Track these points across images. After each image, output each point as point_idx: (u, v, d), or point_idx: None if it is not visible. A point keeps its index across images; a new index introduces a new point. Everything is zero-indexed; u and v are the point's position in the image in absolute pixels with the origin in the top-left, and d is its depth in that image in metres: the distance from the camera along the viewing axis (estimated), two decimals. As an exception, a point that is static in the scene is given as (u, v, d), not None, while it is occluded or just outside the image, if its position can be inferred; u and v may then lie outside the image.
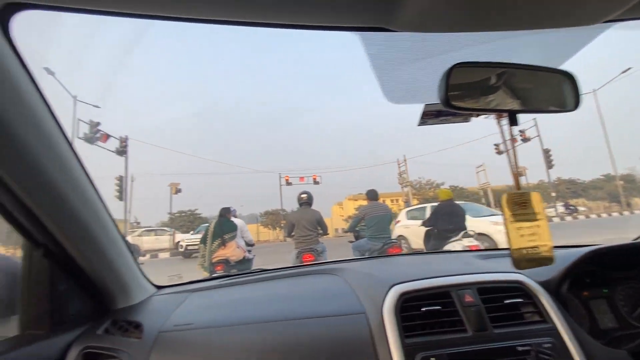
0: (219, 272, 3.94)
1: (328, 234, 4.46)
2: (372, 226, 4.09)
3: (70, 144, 0.60)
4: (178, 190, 19.94)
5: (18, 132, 0.49)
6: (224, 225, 4.22)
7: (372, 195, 4.37)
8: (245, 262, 4.26)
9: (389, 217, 4.24)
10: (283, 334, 0.68)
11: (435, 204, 5.14)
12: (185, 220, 24.31)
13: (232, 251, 4.13)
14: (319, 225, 4.15)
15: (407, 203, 31.72)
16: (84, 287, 0.74)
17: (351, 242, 4.54)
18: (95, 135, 12.03)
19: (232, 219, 4.43)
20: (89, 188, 0.65)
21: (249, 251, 4.55)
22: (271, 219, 29.83)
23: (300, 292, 0.89)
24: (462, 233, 4.07)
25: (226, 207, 4.45)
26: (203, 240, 4.30)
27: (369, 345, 0.66)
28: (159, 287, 0.95)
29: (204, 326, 0.72)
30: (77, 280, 0.73)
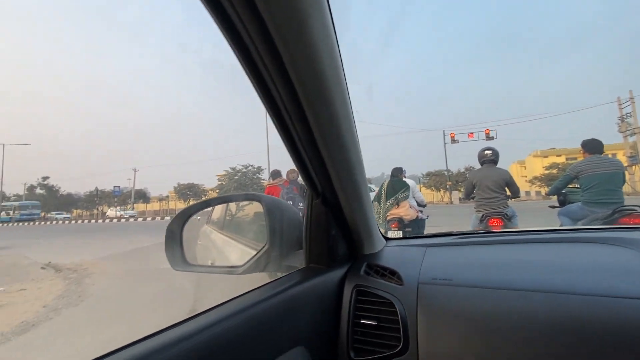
0: (394, 230, 4.07)
1: (519, 197, 3.81)
2: (589, 187, 3.10)
3: (353, 116, 0.68)
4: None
5: (336, 102, 0.59)
6: (397, 185, 4.23)
7: (593, 146, 3.25)
8: (418, 222, 4.24)
9: (620, 177, 3.10)
10: (578, 311, 0.56)
11: None
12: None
13: (406, 210, 4.16)
14: (508, 186, 3.55)
15: (634, 158, 22.72)
16: (345, 234, 0.86)
17: (554, 207, 3.66)
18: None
19: (404, 179, 4.42)
20: (360, 153, 0.74)
21: (421, 211, 4.48)
22: (434, 180, 28.33)
23: (588, 262, 0.72)
24: None
25: (398, 168, 4.47)
26: (377, 199, 4.36)
27: None
28: (387, 239, 1.01)
29: (465, 284, 0.70)
30: (342, 227, 0.85)
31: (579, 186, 3.29)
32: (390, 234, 3.92)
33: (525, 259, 0.79)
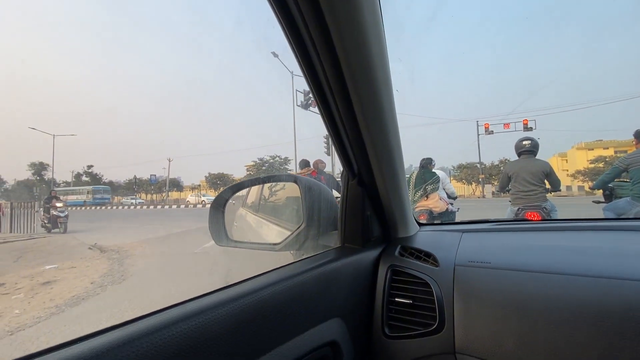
0: (423, 221, 3.89)
1: (560, 190, 3.54)
2: None
3: (393, 96, 0.68)
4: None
5: (379, 84, 0.59)
6: (426, 176, 4.09)
7: None
8: (448, 214, 4.10)
9: None
10: (626, 296, 0.54)
11: None
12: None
13: (435, 202, 4.02)
14: (548, 179, 3.33)
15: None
16: (380, 216, 0.88)
17: (598, 202, 3.39)
18: (308, 102, 14.75)
19: (434, 170, 4.27)
20: (398, 134, 0.75)
21: (451, 204, 4.33)
22: (466, 172, 27.27)
23: (624, 249, 0.69)
24: None
25: (427, 158, 4.33)
26: None
27: None
28: (420, 225, 1.00)
29: (503, 267, 0.69)
30: (377, 209, 0.86)
31: (628, 180, 3.05)
32: None
33: (567, 244, 0.76)
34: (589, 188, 4.06)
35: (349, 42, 0.50)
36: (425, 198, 4.07)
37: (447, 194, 4.34)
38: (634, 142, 3.10)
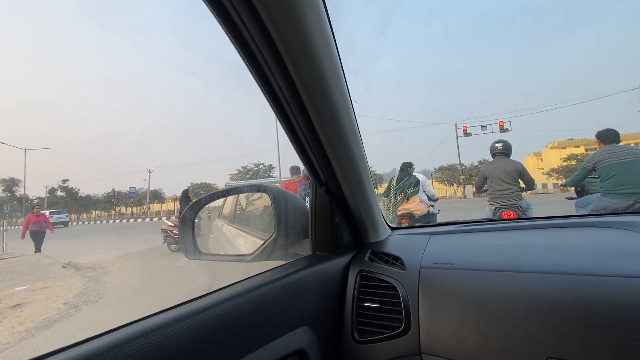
0: (405, 225, 3.98)
1: (534, 189, 3.71)
2: (609, 177, 3.01)
3: (353, 108, 0.70)
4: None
5: (335, 96, 0.61)
6: (406, 180, 4.18)
7: (609, 136, 3.14)
8: (429, 216, 4.18)
9: None
10: (577, 291, 0.57)
11: None
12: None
13: (416, 205, 4.11)
14: (521, 178, 3.50)
15: (658, 148, 21.76)
16: (349, 223, 0.89)
17: (571, 199, 3.55)
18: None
19: (414, 173, 4.36)
20: (361, 143, 0.76)
21: (432, 206, 4.40)
22: (447, 174, 27.87)
23: (587, 245, 0.72)
24: None
25: (407, 162, 4.42)
26: (386, 194, 4.37)
27: None
28: (392, 229, 1.01)
29: (465, 267, 0.71)
30: (346, 216, 0.87)
31: (597, 176, 3.18)
32: None
33: (527, 243, 0.79)
34: (561, 185, 4.26)
35: (299, 59, 0.52)
36: (407, 201, 4.15)
37: (427, 196, 4.42)
38: (597, 143, 3.23)
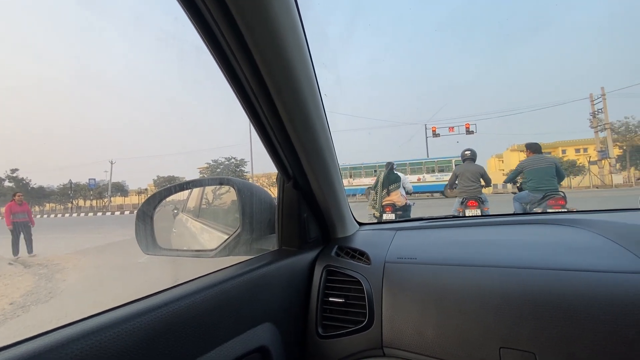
0: (388, 213, 4.84)
1: (491, 187, 4.97)
2: (532, 179, 4.27)
3: (322, 102, 0.68)
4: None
5: (304, 89, 0.59)
6: (390, 177, 5.01)
7: (533, 148, 4.42)
8: (407, 207, 5.00)
9: (552, 170, 4.22)
10: (529, 284, 0.60)
11: None
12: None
13: (397, 198, 4.96)
14: (482, 178, 4.68)
15: (603, 152, 23.89)
16: (317, 218, 0.88)
17: (514, 194, 4.67)
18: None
19: (395, 172, 5.12)
20: (330, 138, 0.75)
21: (408, 199, 5.17)
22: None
23: (536, 241, 0.77)
24: None
25: (390, 162, 5.14)
26: (374, 187, 5.21)
27: None
28: (360, 224, 1.02)
29: (426, 262, 0.73)
30: (314, 211, 0.86)
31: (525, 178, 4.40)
32: (385, 217, 4.84)
33: (484, 239, 0.83)
34: (503, 182, 5.86)
35: (264, 44, 0.49)
36: (390, 194, 4.98)
37: (405, 191, 5.18)
38: (526, 152, 4.44)
